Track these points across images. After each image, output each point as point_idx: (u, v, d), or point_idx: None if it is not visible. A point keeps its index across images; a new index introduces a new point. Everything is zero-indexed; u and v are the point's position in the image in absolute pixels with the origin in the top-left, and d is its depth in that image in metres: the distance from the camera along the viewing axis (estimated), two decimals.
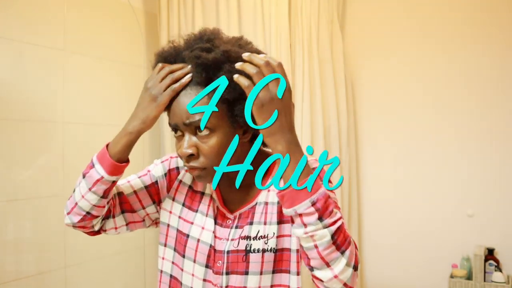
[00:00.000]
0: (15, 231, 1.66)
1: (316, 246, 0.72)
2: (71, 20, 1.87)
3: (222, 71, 0.78)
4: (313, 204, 0.71)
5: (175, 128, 0.85)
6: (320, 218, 0.71)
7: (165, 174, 0.99)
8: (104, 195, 0.91)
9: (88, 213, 0.92)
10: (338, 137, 2.14)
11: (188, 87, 0.83)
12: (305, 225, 0.72)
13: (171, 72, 0.84)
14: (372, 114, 2.29)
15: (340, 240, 0.72)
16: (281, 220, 0.88)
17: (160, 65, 0.86)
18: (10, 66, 1.67)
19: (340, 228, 0.73)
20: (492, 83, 2.02)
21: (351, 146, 2.23)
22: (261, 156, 0.92)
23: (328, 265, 0.72)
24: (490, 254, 1.94)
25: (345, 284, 0.73)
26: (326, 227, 0.71)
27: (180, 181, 0.99)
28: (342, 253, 0.72)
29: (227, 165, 0.76)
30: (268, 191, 0.91)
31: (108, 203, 0.93)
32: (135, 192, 0.98)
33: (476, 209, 2.05)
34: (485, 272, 1.90)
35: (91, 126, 1.95)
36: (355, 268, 0.74)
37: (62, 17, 1.84)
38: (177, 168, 1.00)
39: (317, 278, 0.75)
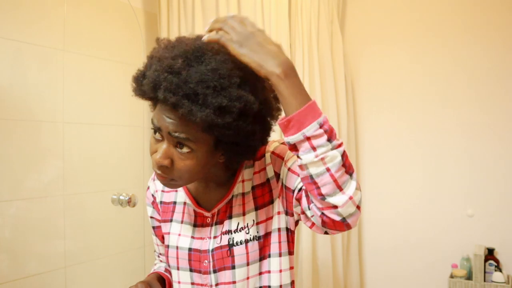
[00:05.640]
0: (15, 231, 1.66)
1: (328, 170, 0.70)
2: (71, 20, 1.87)
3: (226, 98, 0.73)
4: (321, 126, 0.71)
5: (156, 129, 0.80)
6: (329, 140, 0.71)
7: (153, 208, 1.05)
8: None
9: None
10: (338, 137, 2.13)
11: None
12: (314, 149, 0.70)
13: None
14: (372, 114, 2.30)
15: (347, 163, 0.72)
16: (258, 206, 0.89)
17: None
18: (10, 66, 1.67)
19: (345, 151, 0.73)
20: (493, 83, 2.02)
21: (351, 146, 2.23)
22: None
23: (340, 188, 0.70)
24: (490, 254, 1.94)
25: (357, 207, 0.72)
26: (335, 148, 0.71)
27: (159, 202, 1.02)
28: (351, 175, 0.72)
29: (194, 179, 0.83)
30: (243, 181, 0.91)
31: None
32: (157, 245, 1.11)
33: (476, 209, 2.05)
34: (485, 272, 1.89)
35: (91, 126, 1.95)
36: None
37: (62, 17, 1.84)
38: (152, 195, 1.04)
39: (330, 207, 0.71)
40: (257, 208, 0.88)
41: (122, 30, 2.14)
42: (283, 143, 0.89)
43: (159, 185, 1.02)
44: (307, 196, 0.77)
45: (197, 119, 0.72)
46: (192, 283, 0.92)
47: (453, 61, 2.10)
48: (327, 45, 2.13)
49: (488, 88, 2.03)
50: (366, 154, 2.31)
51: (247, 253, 0.87)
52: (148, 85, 0.77)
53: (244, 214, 0.89)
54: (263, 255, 0.89)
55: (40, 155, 1.76)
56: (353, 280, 2.22)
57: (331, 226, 0.74)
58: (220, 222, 0.90)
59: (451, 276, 1.98)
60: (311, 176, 0.71)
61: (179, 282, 0.94)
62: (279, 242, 0.88)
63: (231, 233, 0.88)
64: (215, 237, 0.89)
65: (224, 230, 0.89)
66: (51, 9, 1.81)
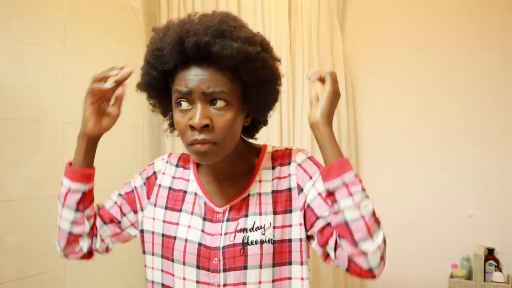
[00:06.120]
0: (15, 231, 1.66)
1: (362, 216, 0.75)
2: (71, 20, 1.87)
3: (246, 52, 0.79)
4: (356, 175, 0.78)
5: (182, 98, 0.80)
6: (363, 189, 0.77)
7: (144, 183, 0.98)
8: (78, 208, 0.92)
9: (70, 233, 0.94)
10: (338, 137, 2.14)
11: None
12: (351, 194, 0.76)
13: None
14: (372, 114, 2.29)
15: (375, 214, 0.78)
16: (276, 211, 0.87)
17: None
18: (10, 66, 1.67)
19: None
20: (494, 83, 2.02)
21: (351, 146, 2.23)
22: (247, 147, 0.95)
23: (371, 236, 0.75)
24: (490, 254, 1.94)
25: (382, 258, 0.77)
26: (367, 197, 0.77)
27: (160, 185, 0.96)
28: (379, 226, 0.77)
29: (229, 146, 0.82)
30: (260, 181, 0.90)
31: (88, 219, 0.95)
32: (115, 203, 0.99)
33: (476, 209, 2.05)
34: (485, 272, 1.89)
35: None
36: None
37: (62, 17, 1.84)
38: (154, 173, 0.99)
39: (360, 254, 0.75)
40: (275, 213, 0.87)
41: (122, 30, 2.14)
42: (310, 157, 0.91)
43: (169, 170, 0.98)
44: (335, 239, 0.81)
45: (233, 52, 0.76)
46: (198, 282, 0.87)
47: (454, 61, 2.10)
48: (327, 45, 2.13)
49: (488, 89, 2.03)
50: (366, 154, 2.31)
51: (261, 254, 0.84)
52: (172, 42, 0.78)
53: (261, 214, 0.87)
54: (278, 261, 0.86)
55: (40, 155, 1.76)
56: (353, 280, 2.22)
57: (356, 273, 0.78)
58: (233, 219, 0.87)
59: (451, 276, 1.98)
60: (346, 222, 0.76)
61: (184, 279, 0.88)
62: (301, 251, 0.87)
63: (246, 231, 0.85)
64: (226, 234, 0.86)
65: (239, 227, 0.86)
66: (51, 9, 1.80)
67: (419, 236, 2.16)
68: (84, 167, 0.92)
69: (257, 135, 0.99)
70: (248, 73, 0.81)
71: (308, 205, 0.86)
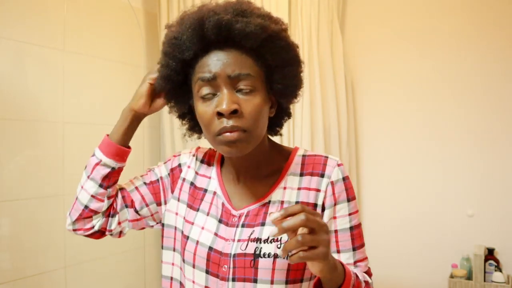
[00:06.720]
0: (15, 231, 1.66)
1: None
2: (71, 20, 1.87)
3: (270, 37, 0.76)
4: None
5: (205, 85, 0.76)
6: None
7: (168, 174, 0.94)
8: (103, 184, 0.88)
9: (86, 207, 0.90)
10: (338, 137, 2.14)
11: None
12: None
13: None
14: (372, 114, 2.29)
15: None
16: None
17: None
18: (10, 66, 1.67)
19: None
20: (494, 83, 2.02)
21: (351, 146, 2.23)
22: (275, 148, 0.89)
23: None
24: (490, 254, 1.94)
25: None
26: None
27: (184, 179, 0.92)
28: None
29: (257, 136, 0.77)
30: (285, 188, 0.83)
31: (109, 198, 0.90)
32: (136, 188, 0.94)
33: (476, 209, 2.05)
34: (485, 272, 1.89)
35: (91, 126, 1.95)
36: None
37: (62, 17, 1.85)
38: (179, 165, 0.94)
39: None
40: None
41: (122, 30, 2.14)
42: (345, 178, 0.83)
43: (194, 164, 0.93)
44: None
45: (257, 28, 0.72)
46: (206, 287, 0.82)
47: (454, 61, 2.10)
48: (327, 45, 2.13)
49: (488, 89, 2.03)
50: (366, 154, 2.31)
51: (273, 269, 0.77)
52: (192, 26, 0.74)
53: None
54: (292, 278, 0.78)
55: (40, 155, 1.76)
56: None
57: None
58: (249, 226, 0.81)
59: (451, 276, 1.98)
60: None
61: (193, 282, 0.84)
62: None
63: (260, 242, 0.78)
64: (239, 241, 0.80)
65: (253, 236, 0.79)
66: (51, 9, 1.81)
67: (419, 236, 2.16)
68: (121, 144, 0.89)
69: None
70: (272, 53, 0.76)
71: None
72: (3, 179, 1.63)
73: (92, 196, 0.89)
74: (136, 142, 2.19)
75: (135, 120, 0.90)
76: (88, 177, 0.89)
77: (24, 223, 1.68)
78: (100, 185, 0.89)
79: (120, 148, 0.89)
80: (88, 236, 0.95)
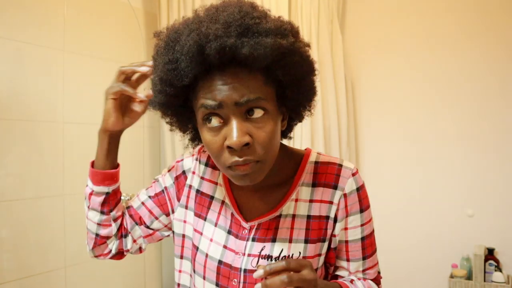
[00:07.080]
0: (15, 231, 1.66)
1: None
2: (71, 20, 1.87)
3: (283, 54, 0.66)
4: None
5: (210, 114, 0.67)
6: None
7: (173, 183, 0.90)
8: (104, 210, 0.87)
9: (97, 234, 0.89)
10: (338, 137, 2.14)
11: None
12: None
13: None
14: (372, 114, 2.30)
15: None
16: (309, 239, 0.77)
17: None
18: (10, 66, 1.67)
19: None
20: (493, 83, 2.02)
21: (351, 146, 2.23)
22: (286, 154, 0.84)
23: None
24: (490, 254, 1.94)
25: None
26: None
27: (190, 186, 0.88)
28: None
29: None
30: (296, 201, 0.79)
31: (115, 220, 0.89)
32: (143, 203, 0.91)
33: (476, 209, 2.05)
34: (485, 272, 1.89)
35: (91, 126, 1.94)
36: None
37: (62, 17, 1.84)
38: (184, 172, 0.90)
39: None
40: (307, 241, 0.77)
41: (122, 30, 2.14)
42: (360, 188, 0.81)
43: (198, 169, 0.88)
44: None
45: (267, 50, 0.62)
46: None
47: (454, 61, 2.10)
48: (327, 45, 2.13)
49: (489, 90, 2.03)
50: (366, 154, 2.31)
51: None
52: (189, 52, 0.64)
53: (290, 241, 0.77)
54: None
55: (40, 155, 1.76)
56: None
57: None
58: (260, 240, 0.78)
59: (451, 276, 1.98)
60: None
61: None
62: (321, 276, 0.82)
63: (271, 259, 0.75)
64: (249, 255, 0.77)
65: (263, 253, 0.76)
66: (51, 9, 1.81)
67: (419, 236, 2.16)
68: (106, 168, 0.86)
69: None
70: (284, 70, 0.67)
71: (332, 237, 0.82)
72: (3, 179, 1.63)
73: (98, 224, 0.89)
74: (136, 142, 2.20)
75: (112, 139, 0.85)
76: (89, 207, 0.89)
77: (24, 223, 1.68)
78: (102, 212, 0.88)
79: (106, 173, 0.86)
80: (111, 259, 0.94)
